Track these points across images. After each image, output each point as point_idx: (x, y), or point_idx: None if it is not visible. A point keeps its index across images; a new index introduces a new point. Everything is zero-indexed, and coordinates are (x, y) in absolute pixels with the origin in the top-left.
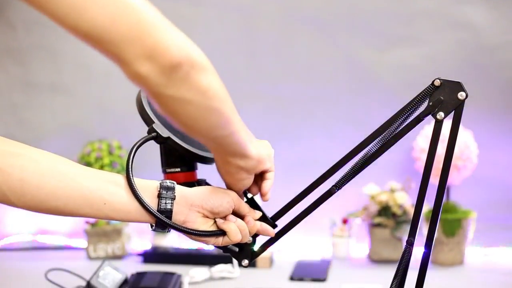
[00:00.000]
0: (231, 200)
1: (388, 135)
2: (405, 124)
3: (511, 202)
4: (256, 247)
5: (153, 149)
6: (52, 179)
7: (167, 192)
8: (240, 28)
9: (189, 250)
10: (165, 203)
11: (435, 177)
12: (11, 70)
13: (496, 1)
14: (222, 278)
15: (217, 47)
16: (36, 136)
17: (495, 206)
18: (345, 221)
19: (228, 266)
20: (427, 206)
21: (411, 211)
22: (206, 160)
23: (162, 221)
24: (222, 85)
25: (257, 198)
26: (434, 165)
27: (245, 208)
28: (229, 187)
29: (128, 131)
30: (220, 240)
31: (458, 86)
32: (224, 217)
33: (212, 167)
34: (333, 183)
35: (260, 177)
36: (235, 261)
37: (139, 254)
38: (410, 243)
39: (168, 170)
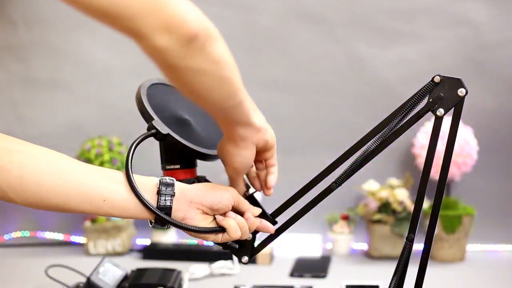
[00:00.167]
0: (230, 196)
1: (388, 131)
2: (405, 120)
3: (511, 199)
4: (255, 244)
5: (153, 146)
6: (51, 176)
7: (166, 188)
8: (239, 22)
9: (189, 246)
10: (165, 199)
11: (435, 174)
12: (11, 66)
13: None
14: (222, 275)
15: None
16: (36, 133)
17: (495, 203)
18: (345, 218)
19: (228, 262)
20: (427, 202)
21: (411, 207)
22: (205, 157)
23: (162, 217)
24: (231, 55)
25: (257, 195)
26: (434, 162)
27: (244, 204)
28: (232, 170)
29: (128, 128)
30: (220, 237)
31: (458, 83)
32: (224, 214)
33: (212, 164)
34: (333, 180)
35: (265, 171)
36: (235, 257)
37: (139, 251)
38: (410, 240)
39: (168, 167)
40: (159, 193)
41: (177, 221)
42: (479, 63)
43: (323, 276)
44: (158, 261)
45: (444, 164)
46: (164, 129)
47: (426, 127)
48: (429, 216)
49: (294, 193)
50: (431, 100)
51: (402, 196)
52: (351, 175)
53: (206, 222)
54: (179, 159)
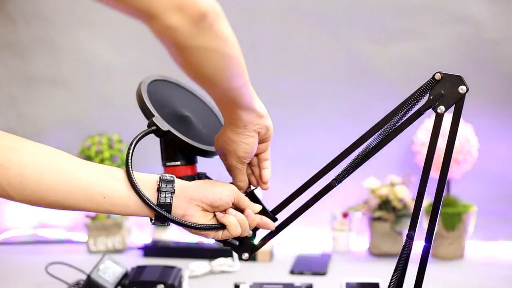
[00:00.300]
0: (230, 193)
1: (389, 128)
2: (405, 117)
3: (511, 196)
4: (256, 241)
5: (154, 142)
6: (51, 173)
7: (166, 185)
8: (240, 21)
9: (189, 244)
10: (165, 196)
11: (435, 171)
12: (11, 63)
13: None
14: (222, 272)
15: None
16: (36, 130)
17: (495, 200)
18: (345, 215)
19: (228, 260)
20: (428, 200)
21: (411, 205)
22: (206, 154)
23: (162, 215)
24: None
25: (257, 191)
26: (435, 159)
27: (245, 201)
28: (237, 159)
29: (128, 125)
30: (220, 234)
31: (458, 80)
32: (224, 211)
33: (212, 161)
34: (334, 177)
35: (258, 167)
36: (235, 255)
37: (139, 248)
38: (410, 237)
39: (168, 164)
40: (159, 190)
41: (177, 218)
42: (480, 60)
43: (323, 274)
44: (158, 259)
45: (444, 162)
46: (164, 126)
47: (426, 124)
48: (429, 213)
49: (294, 190)
50: (431, 97)
51: (403, 194)
52: (352, 172)
53: (206, 219)
54: (180, 155)
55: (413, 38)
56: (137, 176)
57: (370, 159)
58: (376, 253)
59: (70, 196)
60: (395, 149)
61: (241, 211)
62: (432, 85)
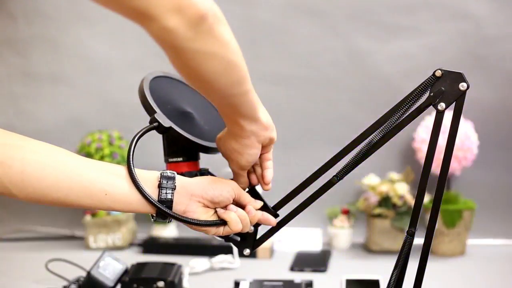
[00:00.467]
0: (231, 189)
1: (389, 125)
2: (406, 114)
3: (511, 193)
4: (257, 237)
5: (156, 139)
6: (53, 171)
7: (167, 182)
8: (239, 15)
9: (189, 240)
10: (166, 193)
11: (436, 168)
12: (11, 61)
13: None
14: (223, 269)
15: None
16: (37, 127)
17: (496, 197)
18: (345, 212)
19: (228, 256)
20: (428, 197)
21: (411, 202)
22: (208, 150)
23: (163, 211)
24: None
25: (258, 188)
26: (435, 156)
27: (246, 197)
28: (238, 167)
29: (128, 122)
30: (221, 230)
31: (459, 77)
32: (225, 207)
33: (214, 158)
34: (334, 174)
35: (260, 166)
36: (235, 251)
37: (140, 245)
38: (410, 234)
39: (171, 160)
40: (160, 186)
41: (178, 214)
42: (480, 57)
43: (323, 270)
44: (158, 255)
45: (445, 159)
46: (166, 122)
47: (426, 121)
48: (429, 210)
49: (295, 187)
50: (432, 94)
51: (403, 191)
52: (352, 169)
53: (207, 215)
54: (182, 152)
55: (414, 34)
56: (138, 172)
57: (370, 155)
58: (376, 250)
59: (72, 193)
60: (395, 146)
61: (242, 207)
62: (432, 82)
